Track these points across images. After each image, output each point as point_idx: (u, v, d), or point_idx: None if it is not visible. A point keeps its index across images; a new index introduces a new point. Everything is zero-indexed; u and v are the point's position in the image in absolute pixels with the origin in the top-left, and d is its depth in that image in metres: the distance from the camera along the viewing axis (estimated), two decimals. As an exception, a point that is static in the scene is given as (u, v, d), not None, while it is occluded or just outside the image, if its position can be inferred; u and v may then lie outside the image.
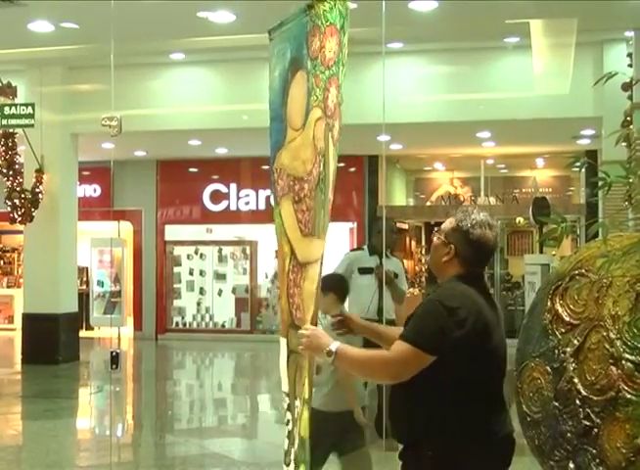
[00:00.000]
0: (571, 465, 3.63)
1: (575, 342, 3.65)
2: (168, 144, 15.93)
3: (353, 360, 3.27)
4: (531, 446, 3.93)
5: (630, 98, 9.40)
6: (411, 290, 14.79)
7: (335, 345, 3.22)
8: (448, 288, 3.30)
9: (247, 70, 13.05)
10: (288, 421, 3.59)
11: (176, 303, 18.31)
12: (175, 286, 18.35)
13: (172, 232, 18.36)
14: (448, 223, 3.36)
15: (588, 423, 3.53)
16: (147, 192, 18.10)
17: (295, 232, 3.44)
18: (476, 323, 3.15)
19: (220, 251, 18.17)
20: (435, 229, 3.41)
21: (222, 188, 17.96)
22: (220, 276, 18.12)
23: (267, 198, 16.44)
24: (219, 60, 13.21)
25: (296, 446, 3.49)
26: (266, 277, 17.94)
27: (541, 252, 14.88)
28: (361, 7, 9.29)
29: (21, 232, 14.78)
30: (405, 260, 17.01)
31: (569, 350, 3.67)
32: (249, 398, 12.14)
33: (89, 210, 16.65)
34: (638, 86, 9.03)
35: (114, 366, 7.62)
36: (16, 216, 13.24)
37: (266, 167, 3.96)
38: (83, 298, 16.27)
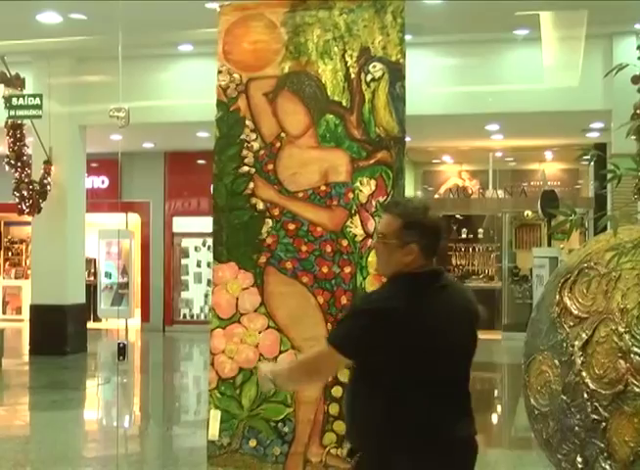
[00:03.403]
0: (579, 459, 3.62)
1: (584, 335, 3.63)
2: (176, 136, 15.92)
3: (292, 374, 3.18)
4: (539, 440, 3.92)
5: (640, 91, 9.36)
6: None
7: (269, 371, 3.14)
8: (391, 288, 3.09)
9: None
10: None
11: (184, 294, 18.33)
12: (183, 278, 18.37)
13: (180, 224, 18.36)
14: (392, 223, 3.07)
15: (596, 417, 3.52)
16: (155, 184, 18.11)
17: None
18: (412, 323, 2.94)
19: (228, 243, 18.16)
20: (379, 234, 3.07)
21: (230, 180, 17.95)
22: (228, 268, 18.11)
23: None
24: (227, 51, 13.20)
25: None
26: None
27: (549, 245, 14.87)
28: None
29: (29, 223, 14.81)
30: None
31: (577, 343, 3.65)
32: (256, 390, 12.13)
33: (97, 201, 16.67)
34: (648, 79, 8.99)
35: (121, 358, 7.63)
36: (24, 208, 13.25)
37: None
38: (91, 289, 16.29)
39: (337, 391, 3.71)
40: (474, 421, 3.16)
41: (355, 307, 3.24)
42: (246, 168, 3.92)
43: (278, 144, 3.90)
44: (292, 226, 3.85)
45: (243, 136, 3.96)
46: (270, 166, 3.89)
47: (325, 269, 3.80)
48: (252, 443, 3.81)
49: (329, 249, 3.81)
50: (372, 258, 3.71)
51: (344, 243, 3.78)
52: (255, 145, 3.92)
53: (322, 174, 3.84)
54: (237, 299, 3.88)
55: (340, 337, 3.06)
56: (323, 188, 3.84)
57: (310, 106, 3.87)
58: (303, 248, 3.83)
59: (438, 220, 3.12)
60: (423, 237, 3.04)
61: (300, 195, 3.86)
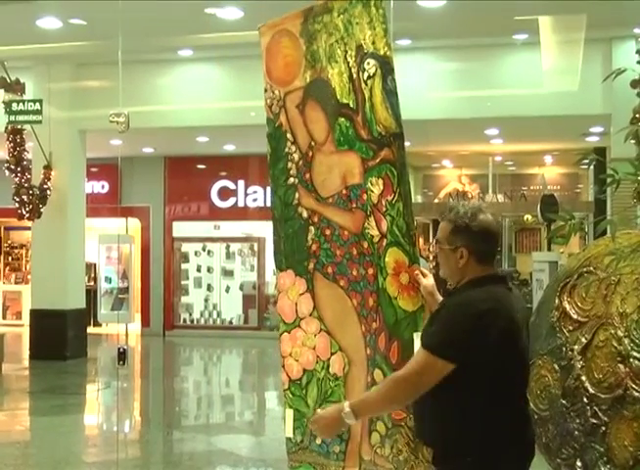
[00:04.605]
0: (579, 463, 3.62)
1: (583, 339, 3.64)
2: (176, 140, 15.93)
3: (374, 401, 3.11)
4: (539, 444, 3.91)
5: (639, 95, 9.35)
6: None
7: (345, 405, 3.07)
8: (477, 291, 3.07)
9: (255, 66, 12.90)
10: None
11: (184, 299, 18.32)
12: (183, 282, 18.37)
13: (180, 229, 18.37)
14: (445, 228, 3.15)
15: (596, 421, 3.52)
16: (155, 188, 18.12)
17: None
18: (505, 326, 2.98)
19: (228, 247, 18.18)
20: (435, 241, 3.18)
21: (230, 185, 17.97)
22: (228, 273, 18.13)
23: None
24: (227, 56, 13.19)
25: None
26: (274, 274, 17.87)
27: (549, 249, 14.85)
28: (369, 3, 9.30)
29: (29, 228, 14.81)
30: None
31: (576, 347, 3.65)
32: (256, 394, 12.14)
33: (97, 206, 16.67)
34: (647, 83, 8.99)
35: (121, 362, 7.63)
36: (24, 213, 13.25)
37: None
38: (91, 294, 16.28)
39: None
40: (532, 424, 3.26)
41: (450, 313, 3.07)
42: (291, 180, 4.10)
43: (310, 153, 4.03)
44: (328, 232, 3.99)
45: (286, 149, 4.13)
46: (307, 176, 4.05)
47: (355, 272, 3.88)
48: (318, 440, 4.00)
49: (355, 251, 3.89)
50: (388, 258, 3.73)
51: (365, 245, 3.84)
52: (296, 156, 4.09)
53: (342, 178, 3.91)
54: (296, 304, 4.10)
55: (442, 343, 2.97)
56: (344, 192, 3.91)
57: (327, 111, 3.94)
58: (338, 252, 3.95)
59: (489, 224, 3.11)
60: (471, 241, 3.08)
61: (330, 200, 3.96)
